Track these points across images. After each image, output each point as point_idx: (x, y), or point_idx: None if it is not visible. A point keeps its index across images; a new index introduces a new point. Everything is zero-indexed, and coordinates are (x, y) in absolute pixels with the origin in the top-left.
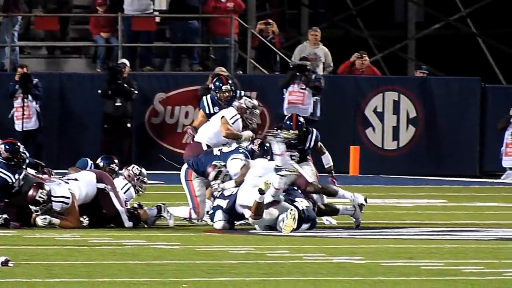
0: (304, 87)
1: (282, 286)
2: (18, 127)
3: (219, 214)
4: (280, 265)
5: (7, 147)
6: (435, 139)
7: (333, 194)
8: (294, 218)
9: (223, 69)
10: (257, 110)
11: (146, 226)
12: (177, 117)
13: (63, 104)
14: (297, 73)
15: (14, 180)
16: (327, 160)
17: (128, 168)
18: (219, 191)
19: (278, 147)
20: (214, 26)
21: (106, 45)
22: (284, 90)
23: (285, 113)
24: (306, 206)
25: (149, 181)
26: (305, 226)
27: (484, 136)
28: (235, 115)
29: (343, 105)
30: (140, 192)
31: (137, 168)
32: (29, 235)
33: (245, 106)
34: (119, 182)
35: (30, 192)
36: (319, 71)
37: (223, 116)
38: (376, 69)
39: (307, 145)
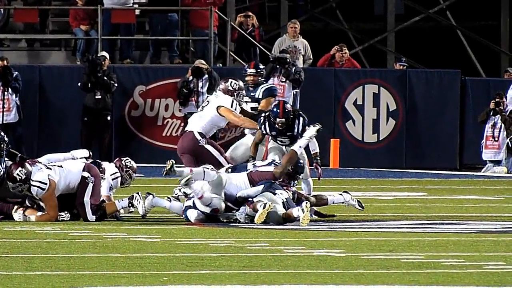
0: (284, 80)
1: (263, 279)
2: None
3: (191, 211)
4: (261, 258)
5: None
6: (415, 132)
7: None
8: (266, 208)
9: (203, 61)
10: (244, 92)
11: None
12: (157, 109)
13: (43, 96)
14: (277, 66)
15: (1, 169)
16: (314, 146)
17: (122, 159)
18: (184, 195)
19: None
20: (193, 19)
21: (86, 38)
22: (264, 82)
23: None
24: (285, 198)
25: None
26: None
27: (464, 129)
28: (232, 101)
29: (323, 98)
30: (125, 185)
31: (129, 161)
32: (9, 228)
33: (231, 89)
34: (111, 168)
35: (10, 168)
36: (299, 64)
37: (220, 106)
38: (356, 62)
39: (295, 131)
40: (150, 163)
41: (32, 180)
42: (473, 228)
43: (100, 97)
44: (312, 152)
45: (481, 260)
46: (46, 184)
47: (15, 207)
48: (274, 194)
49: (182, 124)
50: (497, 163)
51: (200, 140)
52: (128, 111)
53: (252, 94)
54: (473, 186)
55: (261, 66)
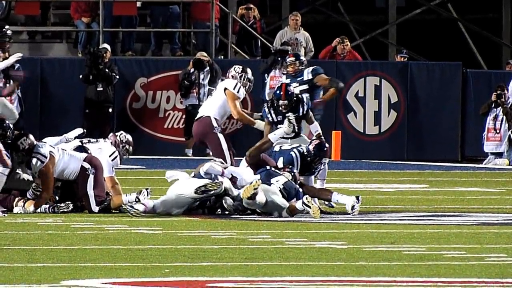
0: (285, 72)
1: (264, 270)
2: None
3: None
4: (262, 250)
5: None
6: (417, 124)
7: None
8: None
9: (204, 54)
10: (249, 75)
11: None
12: (159, 102)
13: (44, 89)
14: (278, 58)
15: (10, 157)
16: (316, 128)
17: (116, 134)
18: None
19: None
20: (195, 11)
21: (87, 30)
22: (266, 75)
23: (267, 98)
24: (283, 184)
25: (130, 166)
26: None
27: (466, 121)
28: (236, 83)
29: (324, 90)
30: (123, 159)
31: (124, 136)
32: (11, 220)
33: (235, 73)
34: (108, 148)
35: (15, 138)
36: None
37: (226, 88)
38: (358, 54)
39: (300, 112)
40: (152, 155)
41: (34, 152)
42: (475, 220)
43: (101, 89)
44: (315, 134)
45: (482, 252)
46: (46, 157)
47: (16, 199)
48: (270, 184)
49: (184, 116)
50: (499, 155)
51: (216, 127)
52: (129, 103)
53: (299, 78)
54: (475, 178)
55: (302, 57)
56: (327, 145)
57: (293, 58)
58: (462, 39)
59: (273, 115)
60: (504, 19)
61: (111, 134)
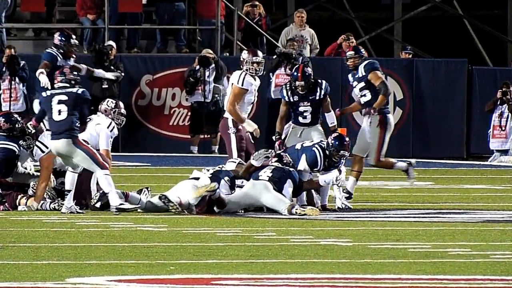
0: (291, 69)
1: (269, 268)
2: (5, 109)
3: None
4: (267, 247)
5: (5, 119)
6: (422, 121)
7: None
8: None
9: (210, 51)
10: (258, 58)
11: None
12: (164, 99)
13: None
14: (284, 61)
15: (18, 150)
16: (332, 119)
17: (103, 103)
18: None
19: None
20: (200, 8)
21: (93, 27)
22: (271, 74)
23: (272, 96)
24: (271, 172)
25: (135, 163)
26: (286, 186)
27: (471, 118)
28: (240, 74)
29: (330, 87)
30: (120, 125)
31: (111, 102)
32: (16, 218)
33: (242, 59)
34: (104, 121)
35: (24, 122)
36: (305, 53)
37: (232, 83)
38: None
39: (317, 95)
40: (157, 152)
41: (38, 141)
42: (480, 218)
43: (107, 86)
44: (330, 126)
45: (488, 249)
46: (48, 148)
47: (19, 197)
48: (258, 178)
49: (189, 113)
50: (504, 152)
51: (231, 128)
52: (135, 100)
53: (356, 76)
54: (480, 175)
55: (362, 50)
56: (347, 139)
57: (353, 52)
58: (467, 36)
59: (290, 96)
60: (510, 15)
61: (99, 106)
